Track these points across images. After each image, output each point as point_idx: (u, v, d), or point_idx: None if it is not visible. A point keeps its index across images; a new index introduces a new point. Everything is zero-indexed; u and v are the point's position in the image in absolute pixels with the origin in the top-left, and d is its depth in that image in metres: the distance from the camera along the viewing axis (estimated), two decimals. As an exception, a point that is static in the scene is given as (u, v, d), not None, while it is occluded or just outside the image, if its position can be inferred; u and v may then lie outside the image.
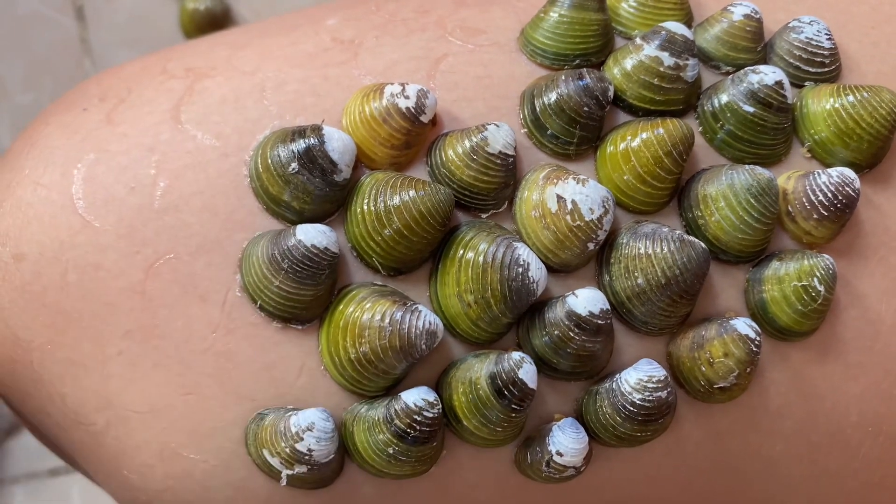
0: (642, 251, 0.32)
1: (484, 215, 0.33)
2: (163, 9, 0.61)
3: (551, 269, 0.32)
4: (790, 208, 0.33)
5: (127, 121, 0.35)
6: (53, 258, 0.33)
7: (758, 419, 0.34)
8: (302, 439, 0.30)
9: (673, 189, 0.33)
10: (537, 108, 0.33)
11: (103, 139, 0.34)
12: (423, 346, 0.30)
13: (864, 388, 0.34)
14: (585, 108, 0.32)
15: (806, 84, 0.35)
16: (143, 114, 0.35)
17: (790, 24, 0.35)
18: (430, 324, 0.30)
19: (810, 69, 0.35)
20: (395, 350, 0.30)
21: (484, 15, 0.36)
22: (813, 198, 0.33)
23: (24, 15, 0.60)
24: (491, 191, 0.32)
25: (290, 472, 0.31)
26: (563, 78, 0.33)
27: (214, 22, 0.60)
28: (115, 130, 0.34)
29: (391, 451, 0.31)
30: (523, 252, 0.31)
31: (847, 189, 0.32)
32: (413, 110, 0.32)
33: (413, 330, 0.30)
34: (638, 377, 0.31)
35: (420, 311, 0.30)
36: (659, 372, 0.31)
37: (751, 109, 0.33)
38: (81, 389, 0.33)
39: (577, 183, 0.31)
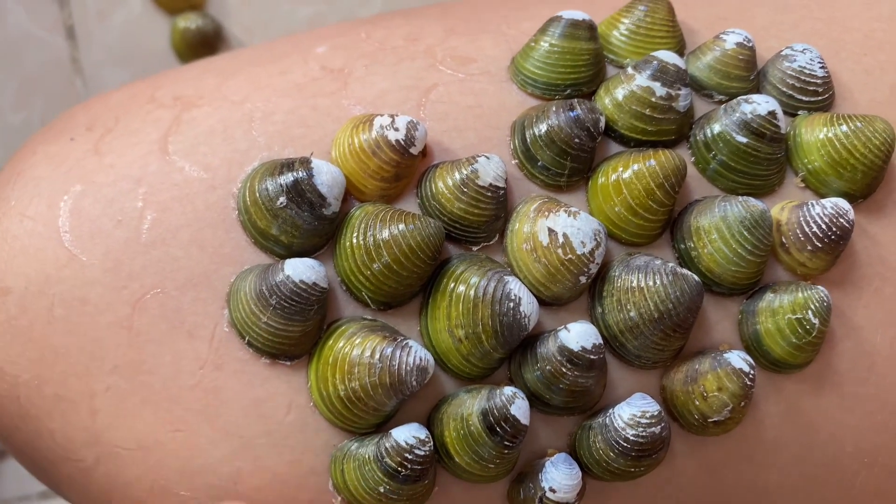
0: (634, 284, 0.31)
1: (475, 248, 0.32)
2: (154, 28, 0.60)
3: (543, 303, 0.32)
4: (784, 240, 0.33)
5: (114, 151, 0.34)
6: (40, 292, 0.33)
7: (752, 451, 0.34)
8: None
9: (665, 221, 0.33)
10: (528, 139, 0.33)
11: (90, 170, 0.34)
12: (414, 383, 0.30)
13: (859, 419, 0.34)
14: (576, 140, 0.32)
15: (799, 113, 0.35)
16: (130, 144, 0.34)
17: (783, 53, 0.35)
18: (420, 360, 0.30)
19: (804, 98, 0.35)
20: (384, 387, 0.30)
21: (474, 43, 0.36)
22: (807, 229, 0.32)
23: (15, 34, 0.60)
24: (482, 223, 0.32)
25: None
26: (554, 109, 0.32)
27: (206, 41, 0.60)
28: (102, 161, 0.34)
29: (382, 490, 0.30)
30: (515, 286, 0.31)
31: (841, 220, 0.32)
32: (403, 142, 0.32)
33: (403, 366, 0.30)
34: (631, 412, 0.31)
35: (410, 347, 0.30)
36: (652, 407, 0.31)
37: (744, 140, 0.33)
38: (69, 425, 0.33)
39: (569, 216, 0.31)
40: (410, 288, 0.31)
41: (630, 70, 0.33)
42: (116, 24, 0.60)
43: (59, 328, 0.32)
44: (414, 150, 0.32)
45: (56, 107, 0.61)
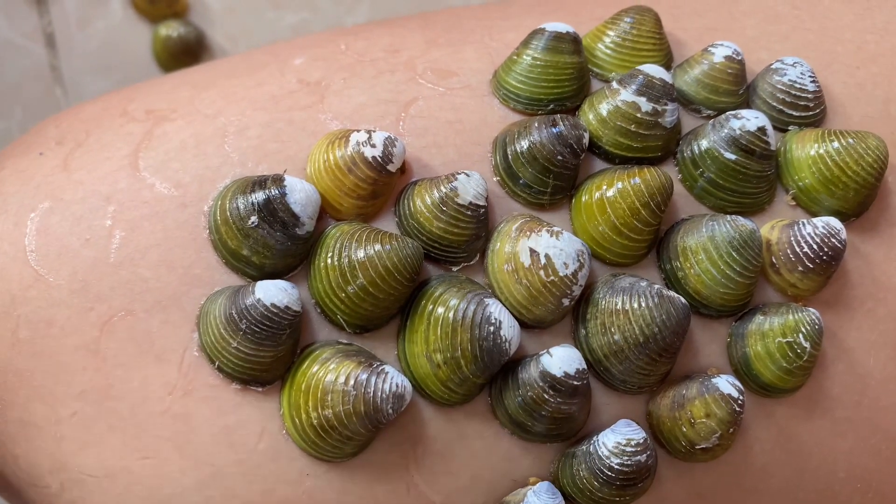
0: (619, 307, 0.30)
1: (455, 268, 0.31)
2: (135, 36, 0.59)
3: (525, 326, 0.31)
4: (774, 260, 0.32)
5: (84, 167, 0.33)
6: (4, 313, 0.31)
7: (742, 478, 0.33)
8: None
9: (651, 240, 0.32)
10: (509, 156, 0.32)
11: (58, 187, 0.33)
12: (390, 411, 0.29)
13: (852, 444, 0.33)
14: (559, 157, 0.31)
15: (790, 128, 0.34)
16: (100, 160, 0.33)
17: (773, 66, 0.34)
18: (397, 386, 0.29)
19: (794, 113, 0.34)
20: (359, 415, 0.29)
21: (456, 56, 0.35)
22: (798, 249, 0.31)
23: (-7, 42, 0.59)
24: (462, 243, 0.31)
25: None
26: (536, 125, 0.31)
27: (188, 49, 0.59)
28: (70, 177, 0.33)
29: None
30: (495, 309, 0.30)
31: (833, 240, 0.31)
32: (380, 159, 0.30)
33: (379, 394, 0.29)
34: (616, 440, 0.30)
35: (387, 373, 0.29)
36: (638, 434, 0.30)
37: (732, 157, 0.32)
38: (34, 451, 0.32)
39: (551, 236, 0.30)
40: (387, 311, 0.30)
41: (615, 85, 0.32)
42: (97, 32, 0.59)
43: (24, 351, 0.31)
44: (391, 168, 0.31)
45: (35, 116, 0.59)
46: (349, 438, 0.29)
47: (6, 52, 0.60)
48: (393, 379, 0.29)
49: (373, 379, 0.29)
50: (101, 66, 0.60)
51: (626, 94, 0.32)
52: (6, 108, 0.61)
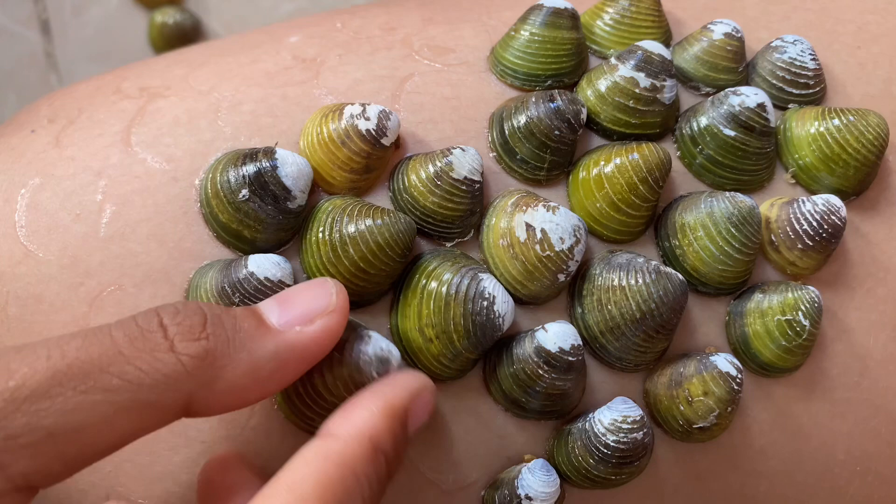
0: (616, 283, 0.30)
1: (449, 244, 0.31)
2: (131, 23, 0.59)
3: (520, 301, 0.30)
4: (773, 237, 0.31)
5: (75, 143, 0.33)
6: (-7, 289, 0.31)
7: (740, 459, 0.32)
8: None
9: (649, 217, 0.31)
10: (506, 132, 0.31)
11: (50, 163, 0.32)
12: (374, 374, 0.28)
13: (851, 425, 0.33)
14: (556, 132, 0.31)
15: (790, 106, 0.33)
16: (92, 136, 0.33)
17: (773, 44, 0.34)
18: (381, 350, 0.28)
19: (794, 91, 0.33)
20: (342, 379, 0.28)
21: (453, 33, 0.34)
22: (797, 227, 0.31)
23: (-12, 29, 0.58)
24: (456, 218, 0.30)
25: None
26: (534, 100, 0.31)
27: (184, 36, 0.58)
28: (62, 154, 0.33)
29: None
30: (489, 284, 0.29)
31: (833, 218, 0.31)
32: (374, 132, 0.30)
33: (362, 356, 0.28)
34: (612, 417, 0.29)
35: (371, 337, 0.28)
36: (634, 412, 0.29)
37: (732, 133, 0.31)
38: (23, 428, 0.31)
39: (548, 210, 0.30)
40: (379, 286, 0.30)
41: (613, 60, 0.32)
42: (92, 19, 0.59)
43: (14, 327, 0.31)
44: (385, 141, 0.30)
45: (30, 102, 0.59)
46: (335, 406, 0.29)
47: (0, 39, 0.59)
48: (377, 343, 0.28)
49: (355, 343, 0.28)
50: (96, 53, 0.60)
51: (625, 70, 0.31)
52: (0, 95, 0.60)
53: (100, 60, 0.60)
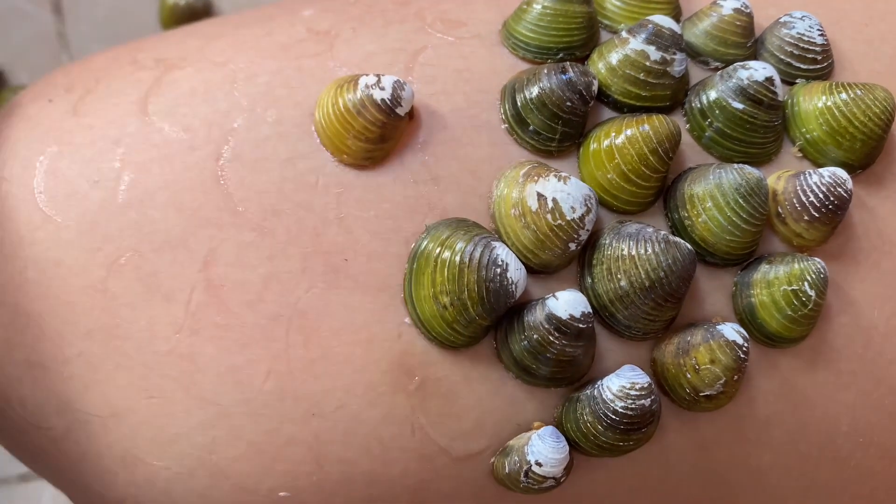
0: (625, 252, 0.30)
1: (461, 213, 0.31)
2: (143, 3, 0.59)
3: (531, 270, 0.31)
4: (780, 209, 0.32)
5: (93, 112, 0.33)
6: (12, 254, 0.32)
7: (745, 429, 0.33)
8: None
9: (658, 188, 0.32)
10: (518, 103, 0.32)
11: (67, 131, 0.33)
12: None
13: (855, 397, 0.33)
14: (568, 103, 0.31)
15: (797, 81, 0.34)
16: (109, 105, 0.33)
17: (781, 20, 0.34)
18: None
19: (802, 66, 0.34)
20: None
21: (466, 7, 0.35)
22: (804, 198, 0.31)
23: (0, 8, 0.59)
24: (469, 188, 0.31)
25: None
26: (546, 72, 0.32)
27: (195, 16, 0.59)
28: (80, 122, 0.33)
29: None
30: (502, 252, 0.30)
31: (839, 190, 0.31)
32: (389, 102, 0.31)
33: None
34: (620, 384, 0.30)
35: None
36: (642, 379, 0.30)
37: (740, 106, 0.32)
38: (41, 392, 0.32)
39: (559, 180, 0.30)
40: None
41: (624, 34, 0.32)
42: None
43: (32, 291, 0.31)
44: (400, 111, 0.31)
45: (42, 82, 0.59)
46: None
47: (13, 19, 0.60)
48: None
49: None
50: (108, 34, 0.60)
51: (636, 43, 0.32)
52: (12, 74, 0.61)
53: (111, 41, 0.60)
